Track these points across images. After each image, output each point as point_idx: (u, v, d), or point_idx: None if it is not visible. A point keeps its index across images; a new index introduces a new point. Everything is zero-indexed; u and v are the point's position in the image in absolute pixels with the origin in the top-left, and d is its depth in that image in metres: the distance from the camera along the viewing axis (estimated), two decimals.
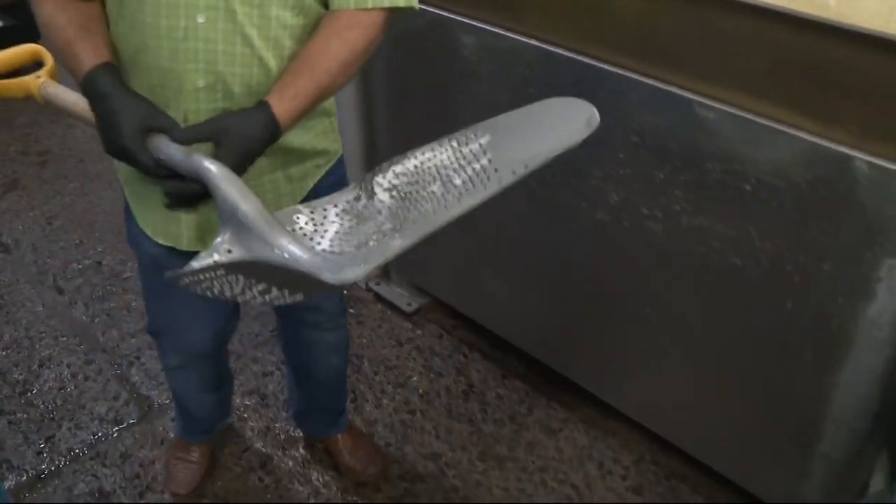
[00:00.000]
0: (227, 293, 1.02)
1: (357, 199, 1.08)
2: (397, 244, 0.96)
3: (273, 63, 1.20)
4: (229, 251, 1.00)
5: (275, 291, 0.99)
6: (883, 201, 1.25)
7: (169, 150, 1.09)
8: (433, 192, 1.02)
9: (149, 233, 1.39)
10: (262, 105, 1.13)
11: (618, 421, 2.07)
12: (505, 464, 2.00)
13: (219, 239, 1.03)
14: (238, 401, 2.17)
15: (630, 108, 1.52)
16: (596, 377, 2.03)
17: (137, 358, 2.32)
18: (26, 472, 1.99)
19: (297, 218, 1.07)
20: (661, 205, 1.56)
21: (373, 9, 1.18)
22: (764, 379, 1.61)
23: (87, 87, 1.14)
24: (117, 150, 1.11)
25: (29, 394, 2.21)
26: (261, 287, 0.99)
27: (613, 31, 1.52)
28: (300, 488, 1.95)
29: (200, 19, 1.14)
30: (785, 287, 1.45)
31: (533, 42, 1.65)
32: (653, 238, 1.61)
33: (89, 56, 1.15)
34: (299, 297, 1.02)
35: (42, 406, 2.17)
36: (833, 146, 1.28)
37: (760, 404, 1.65)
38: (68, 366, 2.29)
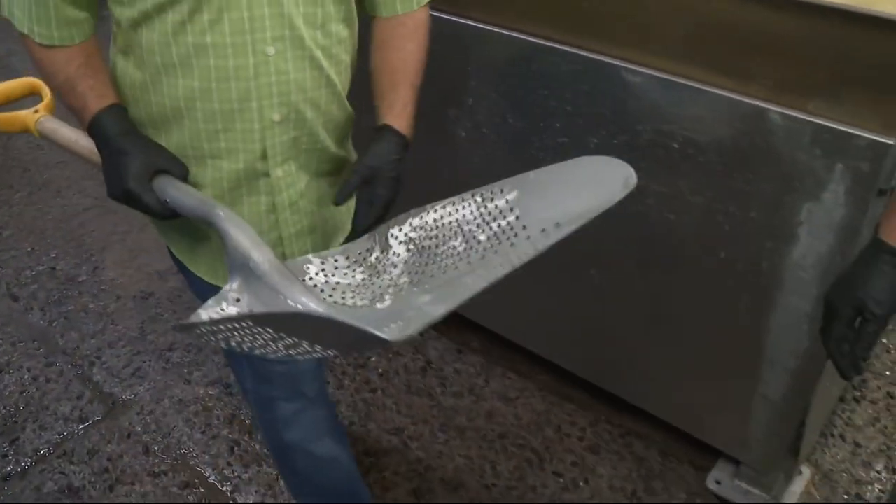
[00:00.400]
0: (245, 346, 0.95)
1: (369, 251, 1.04)
2: (440, 309, 0.86)
3: (336, 79, 1.19)
4: (238, 300, 0.96)
5: (304, 346, 0.92)
6: (797, 149, 1.35)
7: (176, 192, 1.07)
8: (454, 248, 0.98)
9: (206, 278, 1.30)
10: (386, 129, 1.19)
11: (573, 386, 2.16)
12: (465, 433, 2.08)
13: (227, 286, 0.99)
14: (202, 391, 2.21)
15: (563, 78, 1.60)
16: (548, 343, 2.12)
17: (99, 357, 2.34)
18: None
19: (308, 268, 1.02)
20: None
21: (426, 4, 1.26)
22: (706, 328, 1.70)
23: (93, 129, 1.13)
24: (122, 192, 1.10)
25: None
26: (289, 341, 0.92)
27: (543, 7, 1.60)
28: (269, 470, 1.99)
29: (270, 52, 1.09)
30: (717, 237, 1.54)
31: (469, 22, 1.72)
32: None
33: (95, 97, 1.12)
34: (331, 353, 0.96)
35: (3, 410, 2.17)
36: (750, 101, 1.37)
37: (704, 353, 1.75)
38: (28, 370, 2.30)
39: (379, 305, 0.96)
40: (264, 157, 1.17)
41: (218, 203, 1.05)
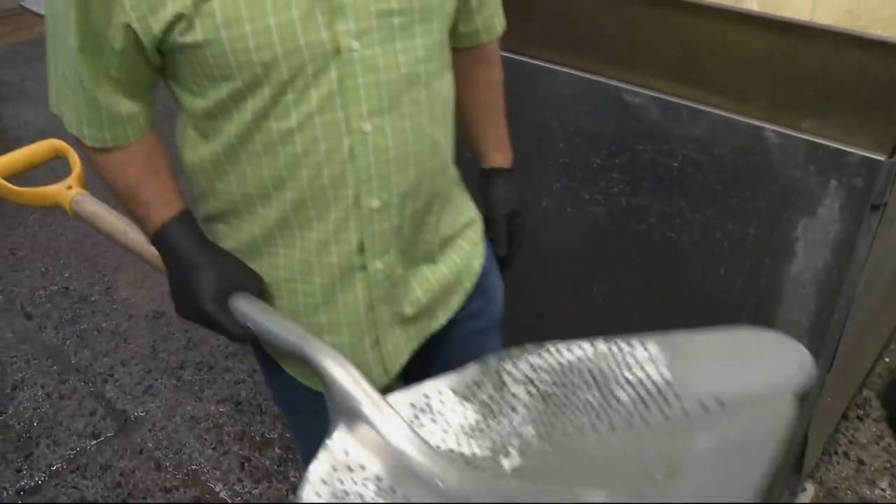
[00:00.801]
0: None
1: (478, 385, 0.90)
2: None
3: (443, 144, 1.04)
4: (347, 452, 0.84)
5: None
6: (792, 166, 1.38)
7: (262, 318, 0.95)
8: (588, 402, 0.85)
9: (296, 375, 1.11)
10: (500, 171, 1.22)
11: None
12: None
13: (331, 438, 0.85)
14: (213, 408, 2.24)
15: (565, 100, 1.64)
16: None
17: (111, 375, 2.38)
18: (5, 489, 2.03)
19: (412, 404, 0.89)
20: (600, 188, 1.68)
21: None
22: None
23: (159, 240, 1.00)
24: (194, 313, 0.98)
25: (3, 415, 2.25)
26: None
27: (543, 30, 1.65)
28: (279, 486, 2.02)
29: (367, 128, 0.93)
30: (717, 254, 1.57)
31: None
32: (595, 220, 1.73)
33: (160, 204, 0.99)
34: None
35: (18, 426, 2.21)
36: (746, 120, 1.41)
37: None
38: (42, 386, 2.34)
39: (504, 462, 0.84)
40: (361, 249, 1.01)
41: (313, 336, 0.92)
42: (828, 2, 1.53)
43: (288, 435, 2.14)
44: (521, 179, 1.80)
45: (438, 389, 0.89)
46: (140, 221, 1.02)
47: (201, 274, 0.96)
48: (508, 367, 0.90)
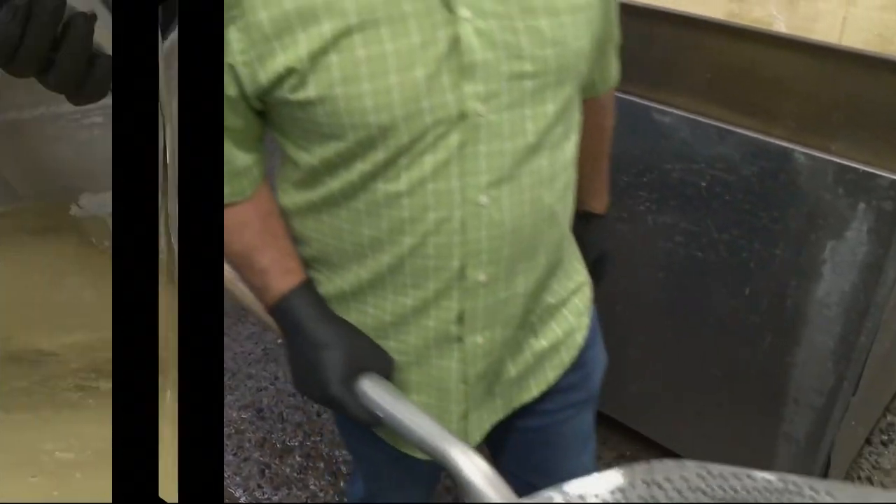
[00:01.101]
0: None
1: (623, 492, 0.81)
2: None
3: (561, 213, 0.94)
4: None
5: None
6: (821, 188, 1.39)
7: (396, 411, 0.85)
8: None
9: (395, 444, 1.05)
10: (595, 216, 1.24)
11: (598, 422, 2.18)
12: None
13: None
14: (235, 414, 2.26)
15: None
16: None
17: None
18: None
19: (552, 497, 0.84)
20: (627, 206, 1.69)
21: None
22: (729, 365, 1.73)
23: (279, 311, 0.92)
24: (320, 396, 0.89)
25: None
26: None
27: None
28: (298, 493, 2.03)
29: (483, 201, 0.84)
30: (743, 274, 1.58)
31: None
32: (621, 238, 1.74)
33: (280, 272, 0.91)
34: None
35: None
36: (775, 141, 1.42)
37: (727, 392, 1.77)
38: None
39: None
40: (460, 320, 0.93)
41: (454, 437, 0.82)
42: (857, 25, 1.54)
43: (308, 443, 2.16)
44: None
45: (580, 493, 0.80)
46: (256, 289, 0.95)
47: (327, 353, 0.88)
48: (659, 479, 0.80)
